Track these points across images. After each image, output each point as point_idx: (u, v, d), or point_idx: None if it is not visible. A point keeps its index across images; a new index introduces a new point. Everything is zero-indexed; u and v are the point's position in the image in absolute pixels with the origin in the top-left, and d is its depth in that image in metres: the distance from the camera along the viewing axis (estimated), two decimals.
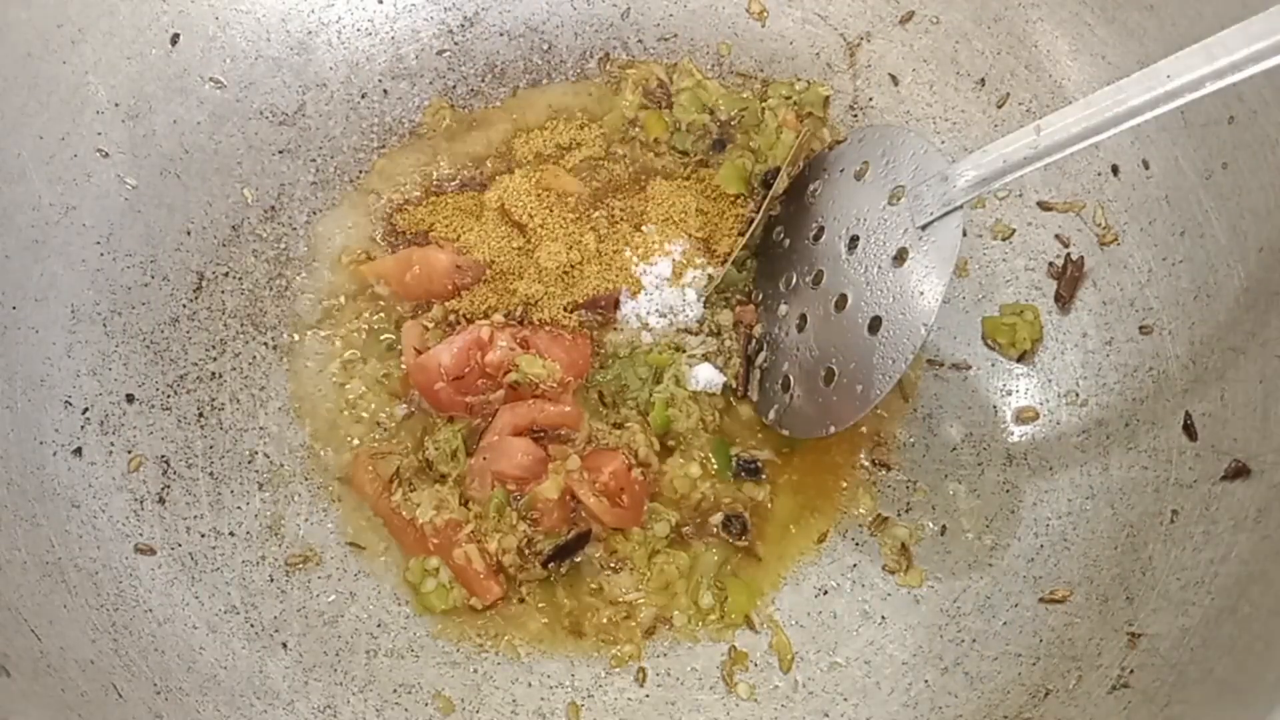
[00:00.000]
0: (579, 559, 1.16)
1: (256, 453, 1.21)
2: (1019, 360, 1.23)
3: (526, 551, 1.15)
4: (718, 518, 1.18)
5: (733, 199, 1.28)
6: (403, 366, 1.22)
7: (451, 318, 1.23)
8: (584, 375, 1.21)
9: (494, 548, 1.14)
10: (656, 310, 1.22)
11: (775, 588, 1.17)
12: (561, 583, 1.16)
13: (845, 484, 1.20)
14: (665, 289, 1.22)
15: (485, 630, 1.15)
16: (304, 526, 1.18)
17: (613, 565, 1.17)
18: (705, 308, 1.24)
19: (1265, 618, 0.95)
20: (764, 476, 1.20)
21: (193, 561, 1.15)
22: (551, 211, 1.25)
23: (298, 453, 1.21)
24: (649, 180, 1.30)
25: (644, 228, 1.25)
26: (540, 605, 1.16)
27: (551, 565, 1.15)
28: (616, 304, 1.22)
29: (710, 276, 1.24)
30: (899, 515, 1.19)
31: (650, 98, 1.34)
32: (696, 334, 1.23)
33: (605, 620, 1.15)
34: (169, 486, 1.18)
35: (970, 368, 1.24)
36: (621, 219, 1.27)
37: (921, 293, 1.07)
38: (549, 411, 1.18)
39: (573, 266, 1.23)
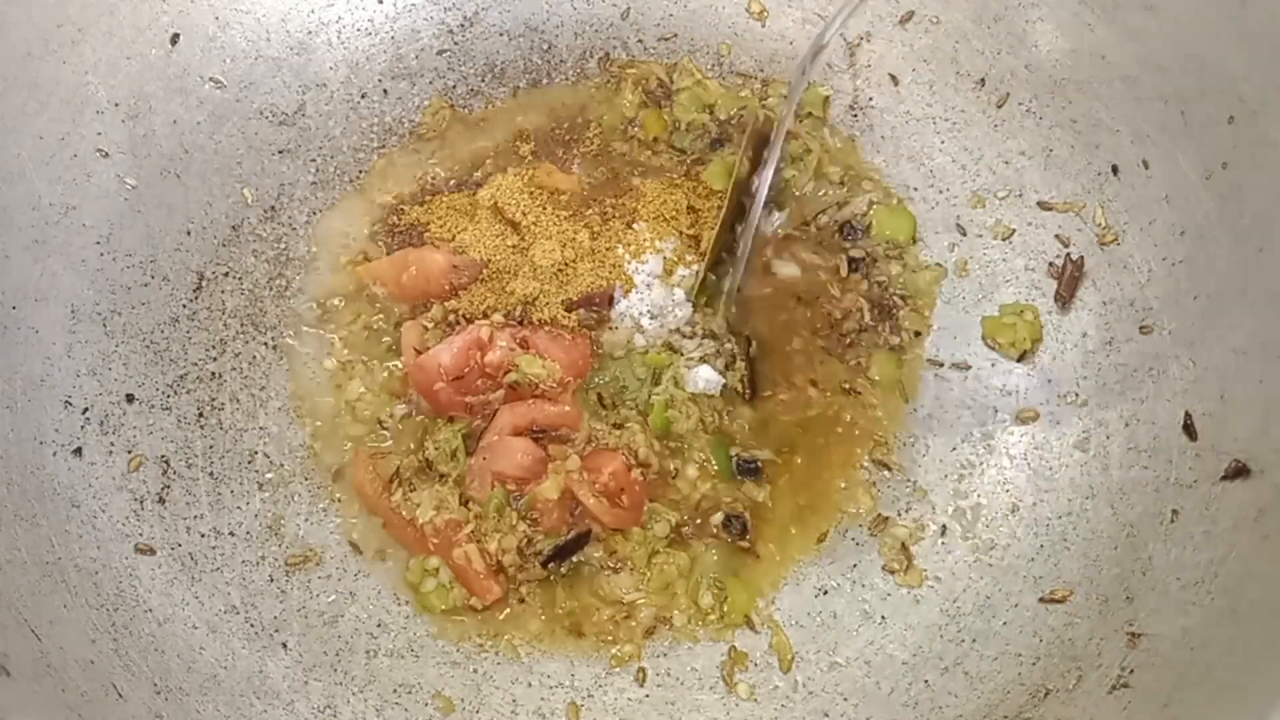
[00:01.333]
0: (579, 559, 1.16)
1: (256, 453, 1.21)
2: (1019, 360, 1.23)
3: (526, 551, 1.15)
4: (718, 518, 1.18)
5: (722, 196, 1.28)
6: (402, 366, 1.22)
7: (451, 318, 1.23)
8: (584, 375, 1.20)
9: (494, 548, 1.14)
10: (648, 311, 1.22)
11: (775, 588, 1.17)
12: (561, 583, 1.16)
13: (845, 484, 1.20)
14: (656, 286, 1.22)
15: (485, 630, 1.15)
16: (304, 526, 1.18)
17: (613, 565, 1.16)
18: (694, 311, 1.24)
19: (1265, 618, 0.95)
20: (764, 476, 1.20)
21: (193, 561, 1.15)
22: (545, 209, 1.25)
23: (298, 453, 1.21)
24: (643, 178, 1.30)
25: (635, 225, 1.25)
26: (540, 605, 1.15)
27: (551, 565, 1.15)
28: (611, 300, 1.22)
29: (697, 273, 1.24)
30: (899, 515, 1.19)
31: (650, 97, 1.34)
32: (692, 337, 1.23)
33: (605, 620, 1.15)
34: (169, 486, 1.18)
35: (970, 368, 1.24)
36: (614, 216, 1.27)
37: None
38: (549, 411, 1.18)
39: (566, 264, 1.23)
